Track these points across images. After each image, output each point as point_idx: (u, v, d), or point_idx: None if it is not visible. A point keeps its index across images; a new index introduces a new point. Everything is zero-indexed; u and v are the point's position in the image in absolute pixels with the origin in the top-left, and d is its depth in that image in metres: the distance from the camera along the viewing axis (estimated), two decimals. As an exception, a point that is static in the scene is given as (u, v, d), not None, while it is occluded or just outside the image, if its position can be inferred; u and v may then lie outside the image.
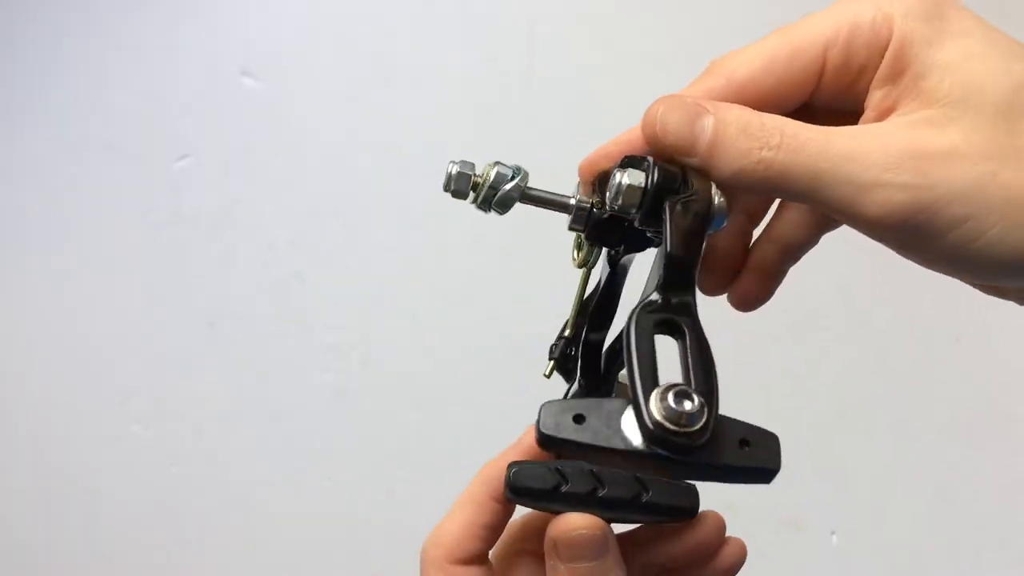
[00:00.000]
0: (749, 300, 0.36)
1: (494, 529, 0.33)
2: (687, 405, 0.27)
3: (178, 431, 1.02)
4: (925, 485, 1.02)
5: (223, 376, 1.02)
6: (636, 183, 0.30)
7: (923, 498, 1.02)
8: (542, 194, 0.34)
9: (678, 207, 0.29)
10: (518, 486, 0.29)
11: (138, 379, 1.02)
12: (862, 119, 0.30)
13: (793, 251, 0.35)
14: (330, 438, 1.01)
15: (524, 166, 0.34)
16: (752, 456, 0.29)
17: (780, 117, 0.29)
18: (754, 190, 0.30)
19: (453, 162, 0.33)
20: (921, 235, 0.27)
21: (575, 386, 0.37)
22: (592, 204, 0.33)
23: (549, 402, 0.30)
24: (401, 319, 1.01)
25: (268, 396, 1.02)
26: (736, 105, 0.29)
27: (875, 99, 0.29)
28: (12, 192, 1.07)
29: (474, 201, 0.34)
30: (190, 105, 1.07)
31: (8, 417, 1.03)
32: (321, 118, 1.07)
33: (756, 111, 0.29)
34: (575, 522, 0.28)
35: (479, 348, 1.01)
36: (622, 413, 0.29)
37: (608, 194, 0.31)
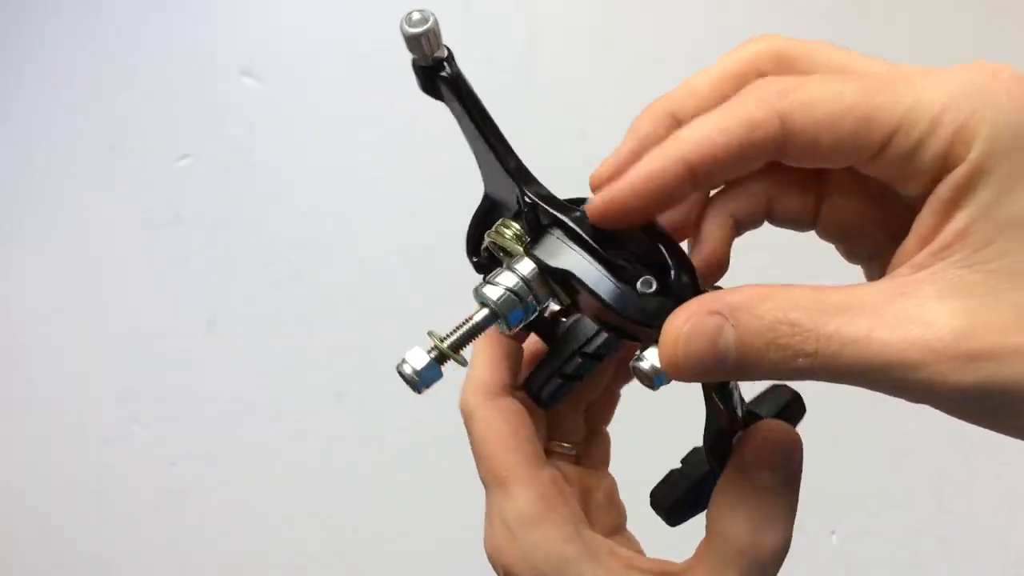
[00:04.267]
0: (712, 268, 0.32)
1: (515, 359, 0.36)
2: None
3: (178, 431, 1.02)
4: (925, 485, 1.02)
5: (223, 376, 1.02)
6: None
7: (923, 498, 1.02)
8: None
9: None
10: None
11: (138, 379, 1.02)
12: (906, 243, 0.26)
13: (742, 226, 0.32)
14: (330, 438, 1.01)
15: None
16: None
17: (810, 300, 0.24)
18: None
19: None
20: (997, 413, 0.24)
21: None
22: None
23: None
24: (401, 319, 1.01)
25: (268, 396, 1.02)
26: (756, 294, 0.25)
27: (924, 226, 0.25)
28: (13, 192, 1.07)
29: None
30: (190, 105, 1.07)
31: (8, 417, 1.03)
32: (321, 118, 1.07)
33: (782, 297, 0.24)
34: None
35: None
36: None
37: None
